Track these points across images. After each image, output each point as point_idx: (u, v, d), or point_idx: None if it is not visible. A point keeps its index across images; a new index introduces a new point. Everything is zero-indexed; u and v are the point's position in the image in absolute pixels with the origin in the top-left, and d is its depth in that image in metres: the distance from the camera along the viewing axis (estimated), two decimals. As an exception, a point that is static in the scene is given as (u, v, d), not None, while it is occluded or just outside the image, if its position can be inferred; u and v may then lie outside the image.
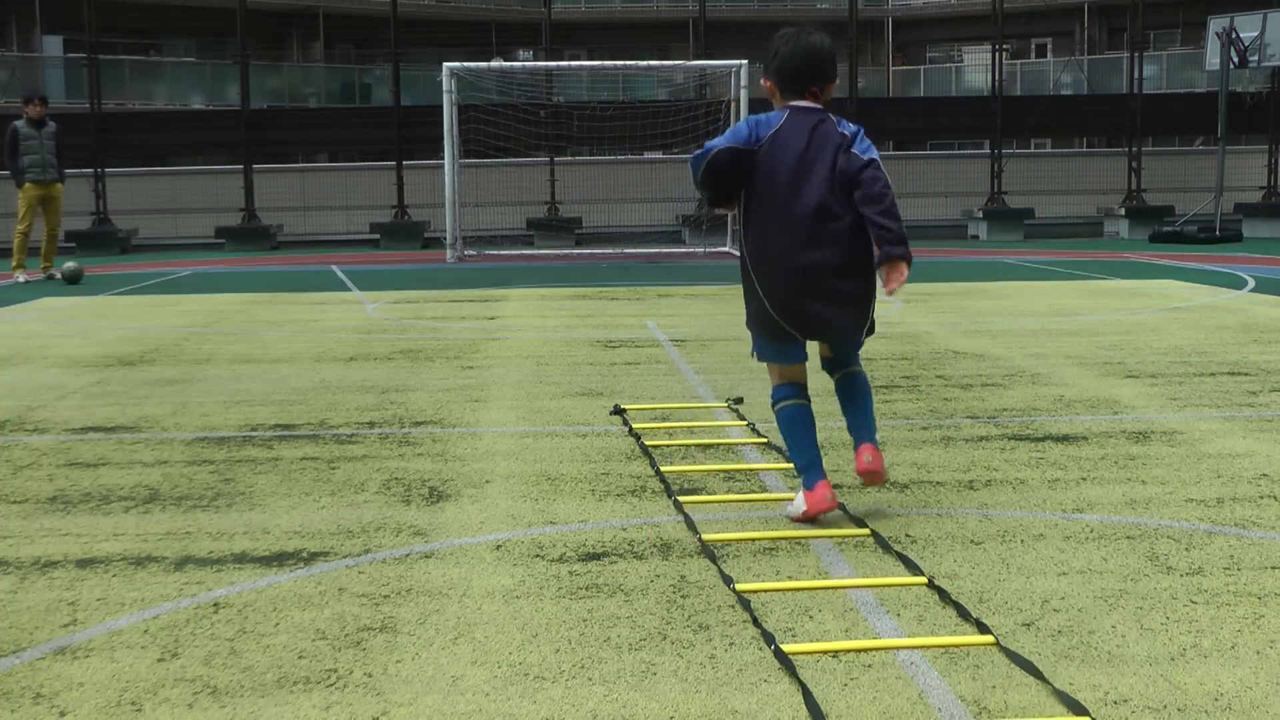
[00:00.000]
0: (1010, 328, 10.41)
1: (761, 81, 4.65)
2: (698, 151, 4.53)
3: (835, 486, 5.10)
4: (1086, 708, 2.94)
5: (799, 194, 4.40)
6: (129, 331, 10.95)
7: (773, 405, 4.66)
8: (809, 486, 4.50)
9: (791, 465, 5.47)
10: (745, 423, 6.42)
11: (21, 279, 16.64)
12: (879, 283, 4.48)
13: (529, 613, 3.66)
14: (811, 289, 4.43)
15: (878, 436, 4.71)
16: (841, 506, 4.75)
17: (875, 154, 4.44)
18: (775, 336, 4.54)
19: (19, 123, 16.59)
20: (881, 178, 4.38)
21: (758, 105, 22.01)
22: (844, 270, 4.44)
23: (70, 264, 16.63)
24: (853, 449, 4.67)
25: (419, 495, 5.06)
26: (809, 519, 4.49)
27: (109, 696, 3.10)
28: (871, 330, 4.61)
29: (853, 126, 4.52)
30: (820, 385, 4.83)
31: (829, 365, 4.75)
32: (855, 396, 4.68)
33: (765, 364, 4.69)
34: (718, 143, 4.49)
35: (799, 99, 4.55)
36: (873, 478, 4.59)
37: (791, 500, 4.67)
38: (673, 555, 4.20)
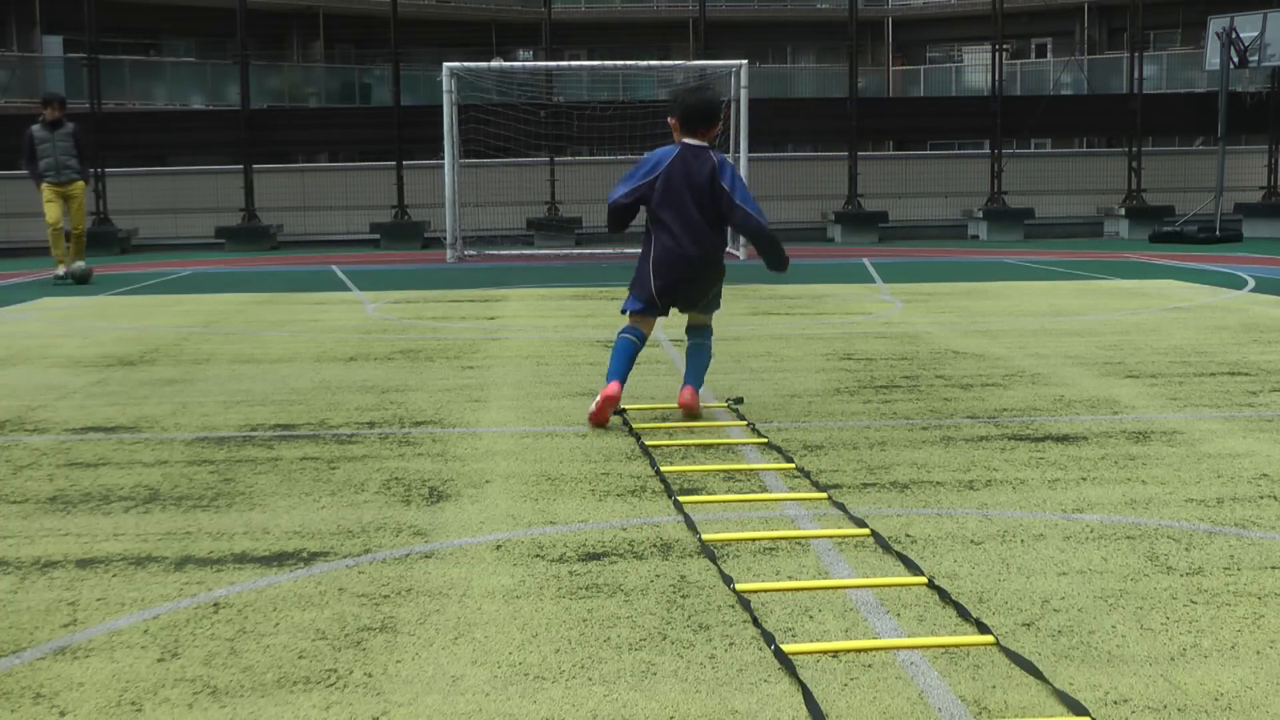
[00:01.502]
0: (1010, 328, 10.41)
1: (668, 119, 6.49)
2: (612, 195, 6.60)
3: (833, 486, 5.10)
4: (1086, 708, 2.94)
5: (683, 207, 6.33)
6: (129, 331, 10.95)
7: (619, 333, 6.54)
8: (606, 384, 6.35)
9: (791, 465, 5.49)
10: (745, 423, 6.42)
11: (61, 271, 16.75)
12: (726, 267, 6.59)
13: (529, 613, 3.66)
14: (683, 273, 6.38)
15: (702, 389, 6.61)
16: (841, 507, 4.76)
17: (739, 183, 6.38)
18: (648, 300, 6.49)
19: (34, 126, 16.68)
20: (751, 218, 6.33)
21: (758, 105, 22.06)
22: (705, 261, 6.41)
23: (80, 264, 16.70)
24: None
25: (419, 495, 5.06)
26: (596, 410, 6.33)
27: (109, 696, 3.10)
28: (717, 304, 6.64)
29: (719, 158, 6.39)
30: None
31: (689, 332, 6.72)
32: (693, 354, 6.68)
33: (629, 313, 6.56)
34: (621, 189, 6.58)
35: (691, 136, 6.42)
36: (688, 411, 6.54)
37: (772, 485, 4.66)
38: (673, 555, 4.20)
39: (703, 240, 6.33)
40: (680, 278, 6.37)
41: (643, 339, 6.50)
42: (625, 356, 6.39)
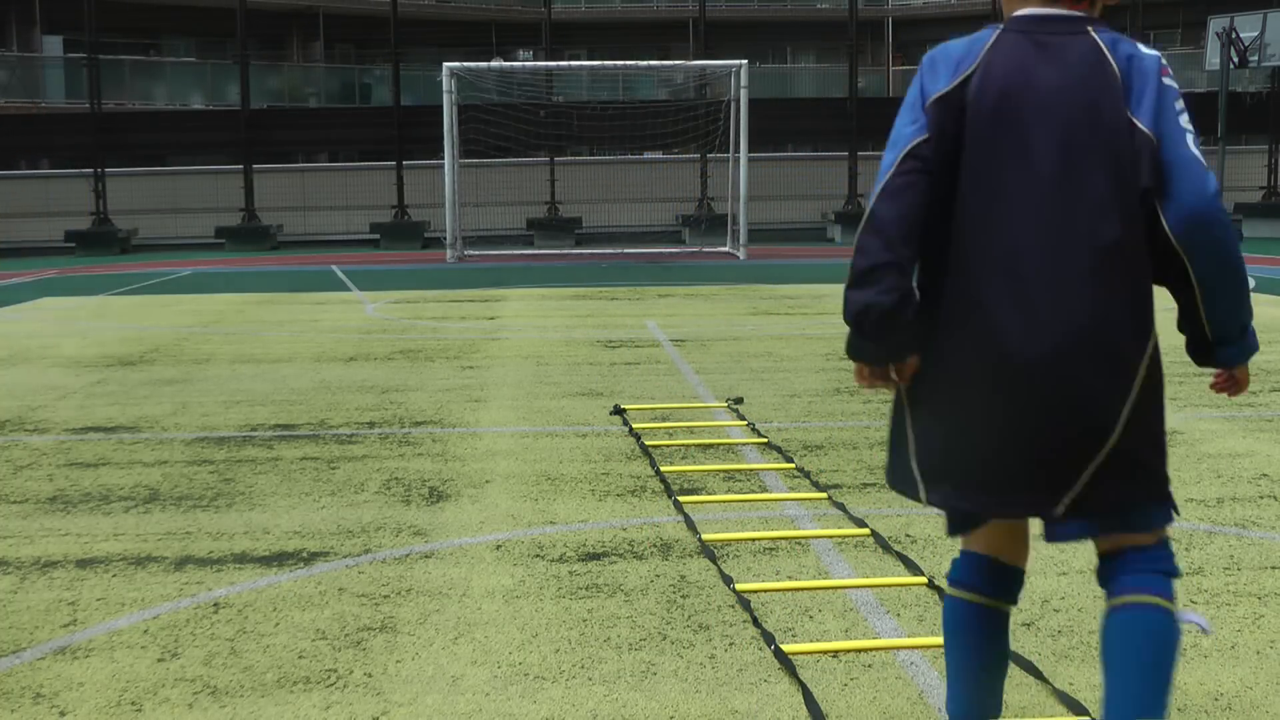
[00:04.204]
0: (1010, 328, 10.40)
1: None
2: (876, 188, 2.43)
3: (833, 486, 5.07)
4: (1086, 708, 2.94)
5: (1031, 183, 2.34)
6: (129, 331, 10.95)
7: (945, 596, 2.67)
8: None
9: (791, 465, 5.46)
10: (745, 423, 6.42)
11: None
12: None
13: (529, 613, 3.66)
14: (1037, 400, 2.32)
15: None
16: (841, 507, 4.75)
17: (1177, 111, 2.37)
18: (951, 500, 2.47)
19: None
20: (1216, 210, 2.37)
21: (758, 105, 22.04)
22: (1096, 353, 2.32)
23: None
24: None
25: (419, 495, 5.05)
26: None
27: (109, 696, 3.10)
28: (1158, 485, 2.42)
29: (1141, 51, 2.40)
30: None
31: (1105, 570, 2.48)
32: (1127, 646, 2.36)
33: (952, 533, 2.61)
34: (898, 144, 2.41)
35: None
36: None
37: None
38: (673, 555, 4.20)
39: (1085, 286, 2.31)
40: (1031, 416, 2.34)
41: (997, 586, 2.55)
42: (971, 663, 2.58)
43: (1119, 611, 2.36)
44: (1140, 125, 2.29)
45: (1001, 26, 2.41)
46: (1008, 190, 2.32)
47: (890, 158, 2.38)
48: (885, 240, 2.31)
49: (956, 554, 2.62)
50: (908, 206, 2.33)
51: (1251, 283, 2.31)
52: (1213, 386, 2.50)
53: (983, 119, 2.34)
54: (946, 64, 2.39)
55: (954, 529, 2.53)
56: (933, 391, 2.41)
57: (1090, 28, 2.37)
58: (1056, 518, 2.36)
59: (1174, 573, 2.41)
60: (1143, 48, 2.36)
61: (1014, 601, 2.53)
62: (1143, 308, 2.35)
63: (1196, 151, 2.29)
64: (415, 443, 6.07)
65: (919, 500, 2.47)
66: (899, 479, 2.53)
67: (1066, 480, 2.32)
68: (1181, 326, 2.45)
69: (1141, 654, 2.32)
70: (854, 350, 2.44)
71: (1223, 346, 2.36)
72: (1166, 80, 2.33)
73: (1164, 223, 2.27)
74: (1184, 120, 2.32)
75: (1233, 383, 2.47)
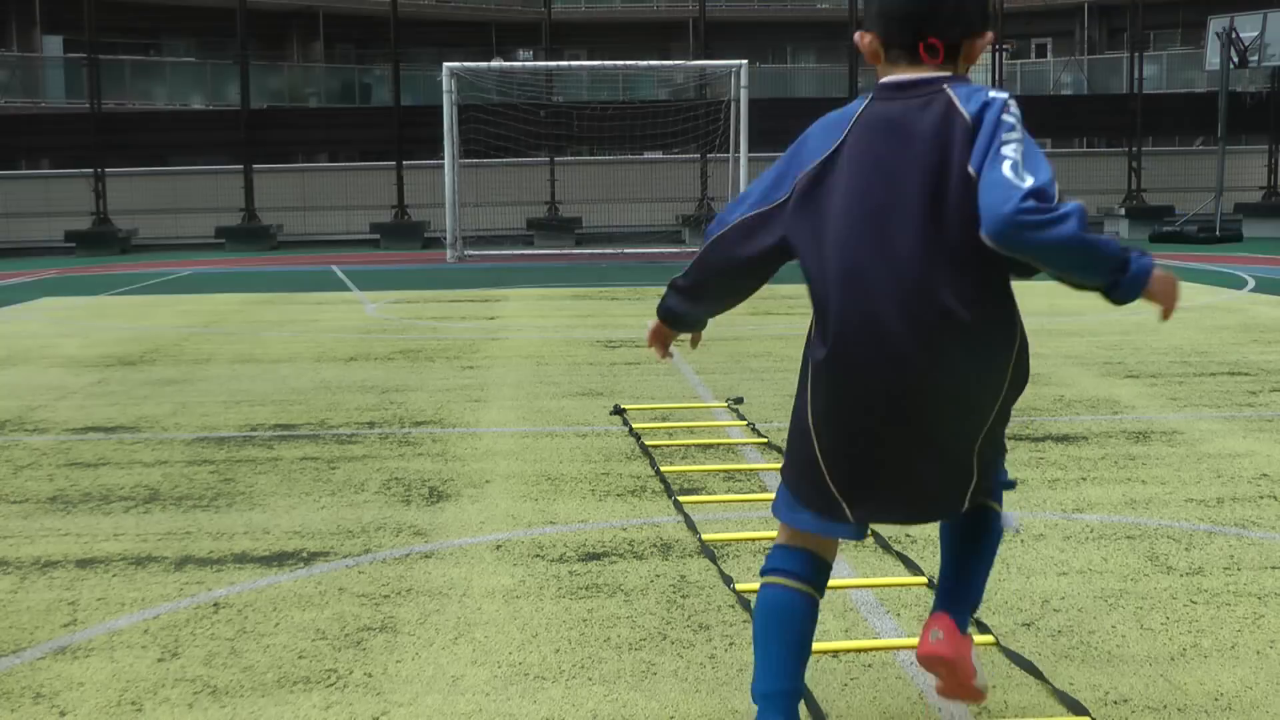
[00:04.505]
0: (1010, 328, 10.40)
1: (856, 37, 2.75)
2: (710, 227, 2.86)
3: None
4: (1086, 708, 2.94)
5: (881, 228, 2.56)
6: (129, 331, 10.95)
7: (761, 573, 2.81)
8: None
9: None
10: (745, 423, 6.42)
11: None
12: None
13: (529, 613, 3.66)
14: (888, 405, 2.57)
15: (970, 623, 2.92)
16: None
17: (1039, 163, 2.48)
18: (819, 499, 2.69)
19: None
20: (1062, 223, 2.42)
21: (758, 105, 22.04)
22: (939, 357, 2.53)
23: None
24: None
25: (419, 495, 5.05)
26: None
27: (109, 696, 3.10)
28: (999, 446, 2.78)
29: (990, 97, 2.56)
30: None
31: None
32: (967, 538, 2.85)
33: (781, 524, 2.82)
34: (735, 211, 2.76)
35: (906, 65, 2.61)
36: (946, 670, 2.75)
37: None
38: (673, 555, 4.20)
39: (928, 303, 2.53)
40: (881, 418, 2.59)
41: (812, 578, 2.75)
42: (779, 639, 2.72)
43: (972, 511, 2.74)
44: (971, 173, 2.46)
45: (871, 96, 2.63)
46: (858, 253, 2.55)
47: (740, 211, 2.70)
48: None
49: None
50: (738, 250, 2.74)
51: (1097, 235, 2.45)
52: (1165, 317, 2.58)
53: (855, 176, 2.56)
54: (819, 139, 2.64)
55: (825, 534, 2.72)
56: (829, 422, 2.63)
57: (946, 85, 2.55)
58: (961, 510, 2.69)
59: (1008, 486, 2.87)
60: (993, 93, 2.54)
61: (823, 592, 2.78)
62: (997, 333, 2.57)
63: (1007, 171, 2.41)
64: (415, 443, 6.07)
65: (845, 520, 2.65)
66: (817, 499, 2.67)
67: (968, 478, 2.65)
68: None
69: (985, 545, 2.83)
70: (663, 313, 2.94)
71: (1115, 291, 2.48)
72: (1005, 117, 2.49)
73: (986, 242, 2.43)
74: (1009, 149, 2.45)
75: (1166, 304, 2.55)
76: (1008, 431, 2.82)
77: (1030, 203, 2.37)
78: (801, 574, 2.71)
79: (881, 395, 2.55)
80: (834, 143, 2.61)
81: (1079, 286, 2.52)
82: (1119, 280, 2.47)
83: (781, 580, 2.72)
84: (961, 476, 2.63)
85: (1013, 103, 2.53)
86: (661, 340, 2.99)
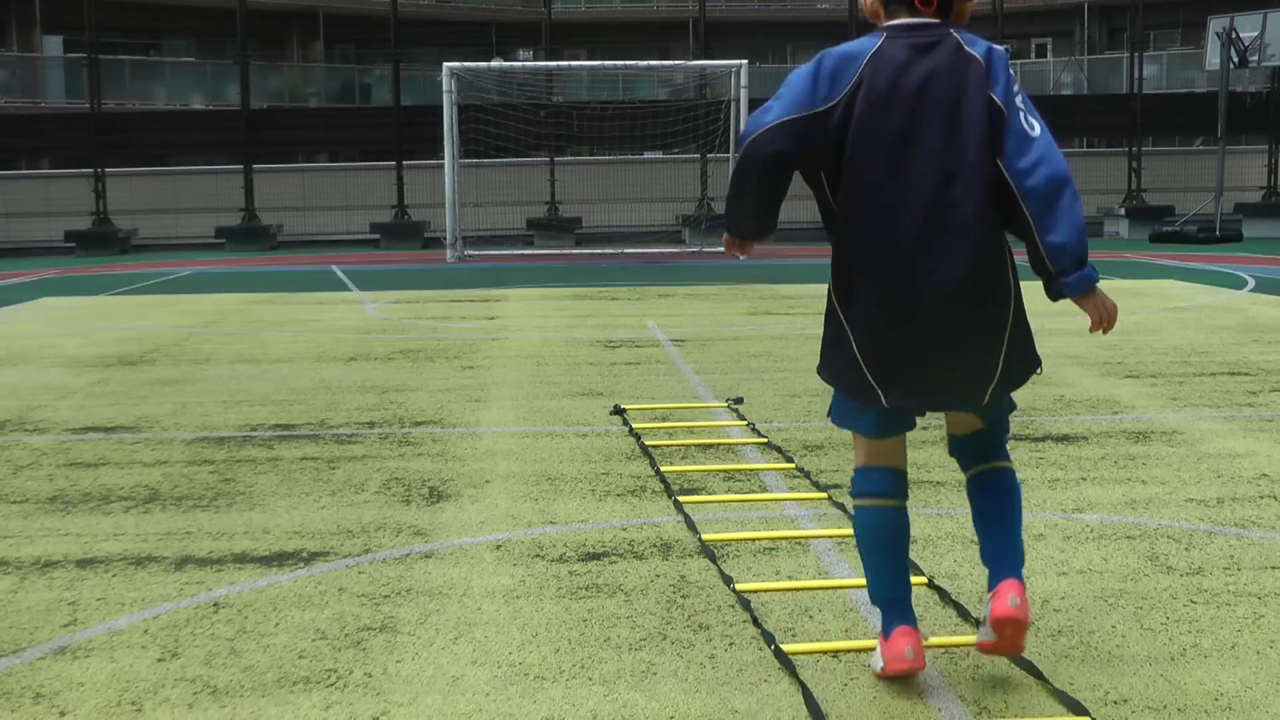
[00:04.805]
0: (1010, 328, 10.40)
1: None
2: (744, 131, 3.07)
3: (833, 486, 5.07)
4: (1086, 708, 2.94)
5: (910, 162, 2.91)
6: (129, 331, 10.95)
7: (852, 496, 3.22)
8: (885, 632, 3.10)
9: (791, 465, 5.47)
10: (745, 423, 6.42)
11: None
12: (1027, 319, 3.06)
13: (529, 613, 3.66)
14: (930, 324, 2.93)
15: (1024, 570, 3.14)
16: (841, 507, 4.74)
17: (1029, 108, 2.93)
18: (874, 402, 3.04)
19: None
20: (1055, 159, 2.89)
21: (758, 105, 21.96)
22: (975, 292, 2.92)
23: None
24: (987, 584, 3.11)
25: (419, 495, 5.05)
26: (886, 677, 3.12)
27: (109, 696, 3.10)
28: (1010, 387, 3.09)
29: (988, 50, 2.97)
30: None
31: (960, 450, 3.27)
32: (995, 504, 3.15)
33: (856, 437, 3.19)
34: (763, 118, 3.00)
35: (907, 9, 3.00)
36: (1016, 631, 3.00)
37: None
38: (673, 555, 4.20)
39: (965, 239, 2.92)
40: (927, 338, 2.96)
41: (897, 486, 3.16)
42: (886, 549, 3.15)
43: (991, 474, 3.16)
44: (998, 101, 2.90)
45: (885, 33, 3.00)
46: (895, 160, 2.93)
47: (775, 115, 2.97)
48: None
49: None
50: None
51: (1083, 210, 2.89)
52: (1091, 329, 2.97)
53: (875, 102, 2.92)
54: (846, 62, 2.97)
55: (880, 432, 3.12)
56: (866, 318, 3.01)
57: (951, 29, 2.99)
58: (981, 406, 3.09)
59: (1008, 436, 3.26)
60: (993, 44, 2.98)
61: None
62: (1004, 249, 2.98)
63: (1023, 121, 2.90)
64: (415, 443, 6.07)
65: (880, 404, 3.02)
66: (853, 386, 3.06)
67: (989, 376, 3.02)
68: (1034, 267, 2.96)
69: (1012, 505, 3.14)
70: (729, 224, 3.15)
71: (1063, 276, 2.87)
72: (1009, 67, 2.96)
73: (1008, 176, 2.88)
74: (1018, 99, 2.92)
75: (1096, 316, 2.94)
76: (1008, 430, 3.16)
77: (1052, 154, 2.88)
78: (885, 491, 3.13)
79: (907, 291, 2.93)
80: (855, 73, 2.95)
81: (1038, 265, 2.91)
82: (1073, 270, 2.87)
83: (871, 501, 3.14)
84: (985, 373, 3.00)
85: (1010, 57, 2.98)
86: (734, 246, 3.24)
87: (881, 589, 3.13)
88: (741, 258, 3.36)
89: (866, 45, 2.99)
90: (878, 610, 3.15)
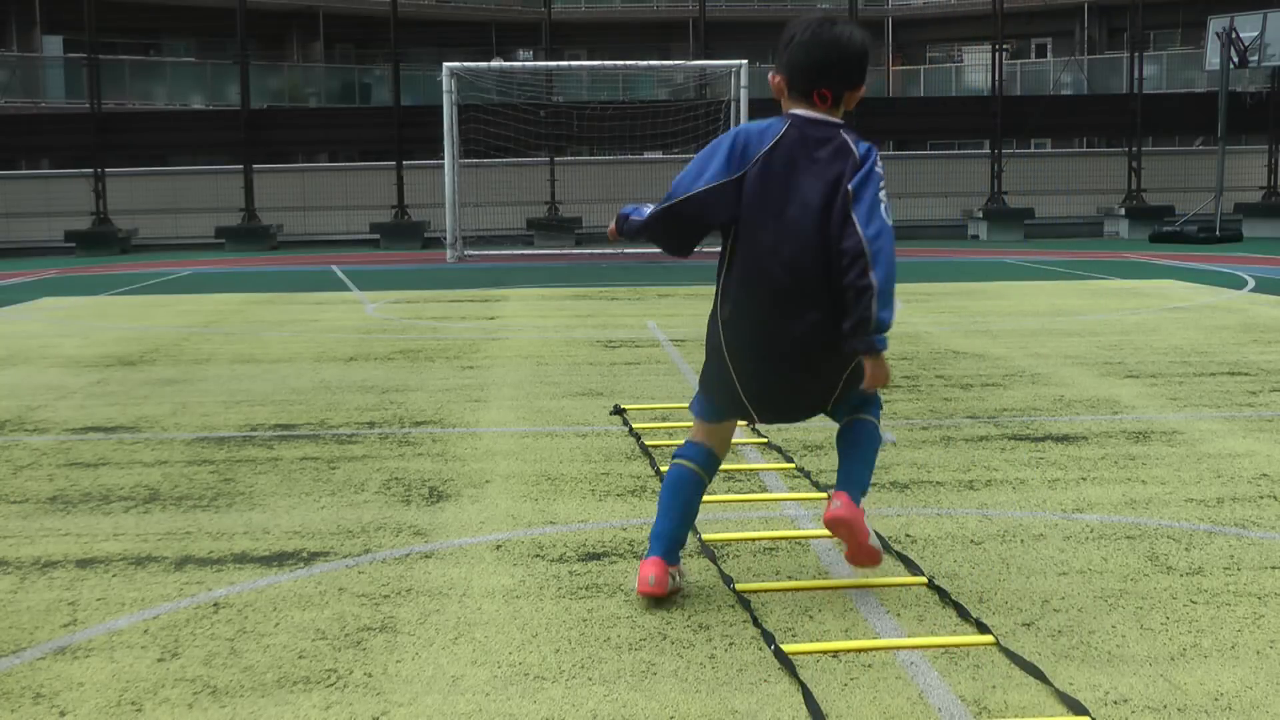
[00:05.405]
0: (1010, 328, 10.41)
1: (770, 76, 3.70)
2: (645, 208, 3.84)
3: (834, 486, 5.07)
4: (1086, 708, 2.94)
5: (789, 230, 3.54)
6: (129, 331, 10.95)
7: (673, 456, 3.87)
8: (644, 557, 3.78)
9: (791, 465, 5.48)
10: (745, 423, 6.41)
11: None
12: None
13: (529, 613, 3.66)
14: (791, 367, 3.62)
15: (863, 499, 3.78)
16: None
17: (881, 205, 3.50)
18: (726, 405, 3.79)
19: None
20: (884, 251, 3.44)
21: (758, 105, 22.01)
22: (817, 347, 3.59)
23: None
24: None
25: (419, 495, 5.05)
26: (641, 586, 3.68)
27: (109, 696, 3.10)
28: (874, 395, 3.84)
29: (866, 151, 3.56)
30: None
31: (836, 413, 3.89)
32: (851, 443, 3.82)
33: (695, 419, 3.90)
34: (685, 183, 3.66)
35: (806, 104, 3.60)
36: (844, 529, 3.67)
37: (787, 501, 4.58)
38: (673, 555, 4.20)
39: (814, 302, 3.54)
40: (778, 371, 3.65)
41: (708, 462, 3.85)
42: (670, 497, 3.80)
43: (852, 423, 3.82)
44: (849, 189, 3.47)
45: (789, 120, 3.60)
46: (769, 230, 3.56)
47: (702, 183, 3.60)
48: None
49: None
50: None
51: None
52: (865, 386, 3.58)
53: (767, 178, 3.56)
54: (757, 140, 3.60)
55: (713, 417, 3.84)
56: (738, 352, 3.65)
57: (841, 130, 3.58)
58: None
59: (880, 411, 3.90)
60: (865, 145, 3.55)
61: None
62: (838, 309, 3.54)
63: (865, 208, 3.45)
64: (415, 443, 6.08)
65: (750, 420, 3.92)
66: (729, 407, 3.77)
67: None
68: (844, 325, 3.48)
69: (860, 442, 3.80)
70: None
71: (864, 333, 3.43)
72: (878, 168, 3.53)
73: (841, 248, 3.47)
74: (871, 191, 3.48)
75: (873, 375, 3.54)
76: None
77: (879, 239, 3.46)
78: (697, 460, 3.81)
79: (771, 334, 3.58)
80: (765, 148, 3.57)
81: (848, 315, 3.44)
82: (874, 333, 3.43)
83: (684, 463, 3.81)
84: (821, 401, 3.77)
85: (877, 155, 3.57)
86: (616, 238, 4.05)
87: (657, 524, 3.78)
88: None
89: (774, 129, 3.60)
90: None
